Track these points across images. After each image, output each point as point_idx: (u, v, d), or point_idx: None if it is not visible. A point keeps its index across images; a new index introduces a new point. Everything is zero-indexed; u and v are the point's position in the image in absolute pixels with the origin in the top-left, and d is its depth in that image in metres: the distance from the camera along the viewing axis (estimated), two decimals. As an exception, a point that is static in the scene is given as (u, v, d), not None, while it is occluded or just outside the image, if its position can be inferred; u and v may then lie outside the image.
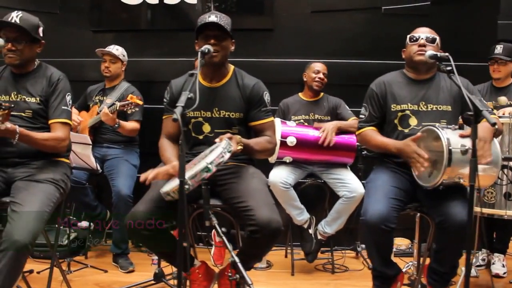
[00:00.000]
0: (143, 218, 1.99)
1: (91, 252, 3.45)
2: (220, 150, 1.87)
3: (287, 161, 3.03)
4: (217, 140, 2.02)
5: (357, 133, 2.46)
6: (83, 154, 2.84)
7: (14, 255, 1.84)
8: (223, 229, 1.97)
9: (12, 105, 1.92)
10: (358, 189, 2.92)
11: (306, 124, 3.17)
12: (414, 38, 2.32)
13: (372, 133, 2.36)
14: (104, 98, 3.34)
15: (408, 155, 2.13)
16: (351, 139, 3.00)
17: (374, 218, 2.05)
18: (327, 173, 3.07)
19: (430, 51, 2.17)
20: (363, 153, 3.18)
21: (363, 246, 3.50)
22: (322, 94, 3.30)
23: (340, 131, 3.02)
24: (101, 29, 3.88)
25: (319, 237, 3.11)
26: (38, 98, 2.19)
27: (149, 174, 1.98)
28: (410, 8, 3.58)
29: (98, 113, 3.24)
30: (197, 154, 2.21)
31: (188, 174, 1.81)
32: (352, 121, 3.09)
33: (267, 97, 2.26)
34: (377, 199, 2.11)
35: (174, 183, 1.86)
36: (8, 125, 1.91)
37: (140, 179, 1.99)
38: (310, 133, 3.00)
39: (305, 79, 3.31)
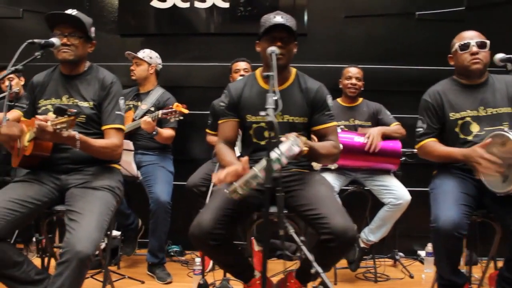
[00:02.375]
0: (210, 227, 1.91)
1: (123, 262, 3.34)
2: (290, 143, 1.81)
3: (332, 167, 2.97)
4: (282, 138, 1.95)
5: (417, 146, 2.40)
6: (125, 160, 2.73)
7: (77, 266, 1.74)
8: (302, 238, 1.89)
9: (79, 112, 1.83)
10: (405, 196, 2.86)
11: (347, 130, 3.12)
12: (465, 46, 2.28)
13: (433, 144, 2.31)
14: (139, 103, 3.25)
15: (475, 160, 2.08)
16: (397, 145, 2.95)
17: (446, 225, 1.99)
18: (371, 179, 3.01)
19: (500, 55, 2.14)
20: (401, 159, 3.12)
21: (401, 254, 3.46)
22: (361, 99, 3.26)
23: (385, 137, 2.97)
24: (130, 33, 3.80)
25: (362, 245, 3.04)
26: (91, 103, 2.11)
27: (221, 176, 1.88)
28: (444, 14, 3.57)
29: (133, 119, 3.15)
30: (258, 161, 2.13)
31: (258, 166, 1.74)
32: (396, 127, 3.05)
33: (330, 100, 2.20)
34: (448, 206, 2.06)
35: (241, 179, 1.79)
36: (71, 132, 1.82)
37: (214, 182, 1.89)
38: (355, 139, 2.94)
39: (340, 86, 3.27)
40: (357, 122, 3.17)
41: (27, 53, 1.95)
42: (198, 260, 2.86)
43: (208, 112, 3.40)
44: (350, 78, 3.16)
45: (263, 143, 2.17)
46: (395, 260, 3.40)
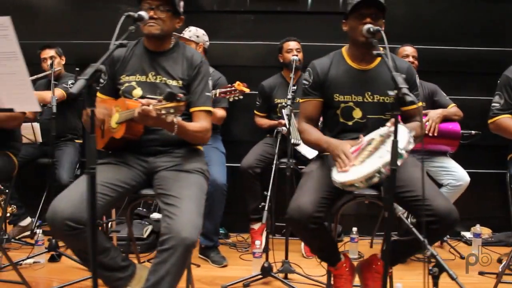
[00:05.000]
0: (311, 210, 1.86)
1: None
2: (408, 135, 1.76)
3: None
4: (388, 124, 1.91)
5: (490, 121, 2.39)
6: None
7: (183, 253, 1.68)
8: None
9: (189, 97, 1.73)
10: (465, 177, 2.87)
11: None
12: None
13: (509, 120, 2.30)
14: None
15: None
16: (456, 127, 2.94)
17: None
18: (429, 161, 3.00)
19: None
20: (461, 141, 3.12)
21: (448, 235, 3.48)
22: (417, 79, 3.22)
23: (444, 119, 2.95)
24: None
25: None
26: (180, 82, 2.01)
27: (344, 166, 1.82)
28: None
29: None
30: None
31: (381, 162, 1.69)
32: (454, 109, 3.03)
33: (418, 80, 2.16)
34: None
35: (357, 172, 1.74)
36: (176, 117, 1.72)
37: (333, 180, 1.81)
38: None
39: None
40: (412, 102, 3.13)
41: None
42: (258, 242, 2.82)
43: (255, 92, 3.32)
44: (407, 56, 3.11)
45: (350, 123, 2.12)
46: (442, 241, 3.42)
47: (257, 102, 3.36)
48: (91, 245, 1.43)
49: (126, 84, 2.01)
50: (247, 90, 2.84)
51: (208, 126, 2.00)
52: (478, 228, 3.23)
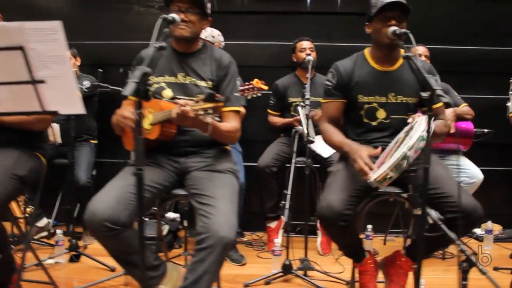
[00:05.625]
0: (341, 208, 1.90)
1: (189, 244, 3.30)
2: (425, 121, 1.80)
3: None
4: (409, 120, 1.96)
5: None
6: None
7: (221, 252, 1.71)
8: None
9: (227, 97, 1.77)
10: (478, 175, 2.93)
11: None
12: None
13: None
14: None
15: None
16: (469, 126, 3.00)
17: None
18: (442, 159, 3.05)
19: None
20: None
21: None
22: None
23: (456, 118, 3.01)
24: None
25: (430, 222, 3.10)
26: (210, 82, 2.04)
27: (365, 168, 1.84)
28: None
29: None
30: (370, 141, 2.14)
31: (406, 146, 1.73)
32: (466, 108, 3.09)
33: (439, 80, 2.21)
34: None
35: (386, 166, 1.78)
36: (215, 117, 1.74)
37: (366, 176, 1.84)
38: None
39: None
40: (424, 102, 3.19)
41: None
42: (277, 241, 2.87)
43: (268, 92, 3.35)
44: (419, 56, 3.16)
45: (374, 123, 2.17)
46: (452, 237, 3.48)
47: (270, 101, 3.40)
48: (139, 243, 1.46)
49: (155, 85, 2.04)
50: (265, 88, 2.86)
51: (239, 126, 2.04)
52: (489, 224, 3.29)
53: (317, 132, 3.17)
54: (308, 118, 2.67)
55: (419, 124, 1.81)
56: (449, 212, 1.90)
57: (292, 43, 3.46)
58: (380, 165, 1.87)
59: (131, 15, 3.70)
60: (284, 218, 3.14)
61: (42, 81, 1.43)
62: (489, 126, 3.08)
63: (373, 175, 1.81)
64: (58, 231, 2.97)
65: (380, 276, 2.25)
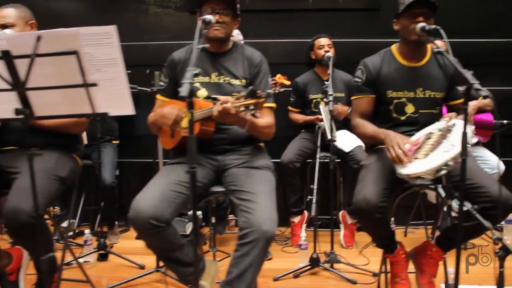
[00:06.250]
0: (377, 200, 1.95)
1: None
2: (470, 130, 1.84)
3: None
4: (445, 118, 2.00)
5: None
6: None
7: (264, 246, 1.77)
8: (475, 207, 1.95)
9: (269, 93, 1.81)
10: (500, 166, 2.97)
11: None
12: None
13: None
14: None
15: None
16: (489, 117, 3.04)
17: None
18: (463, 151, 3.10)
19: None
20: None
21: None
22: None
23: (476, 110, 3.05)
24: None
25: (453, 214, 3.15)
26: (243, 80, 2.08)
27: (400, 157, 1.89)
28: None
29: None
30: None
31: (449, 155, 1.77)
32: (487, 100, 3.13)
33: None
34: None
35: (422, 165, 1.82)
36: (256, 113, 1.78)
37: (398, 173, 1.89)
38: (450, 112, 3.01)
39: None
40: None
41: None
42: (303, 235, 2.91)
43: (287, 89, 3.39)
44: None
45: (403, 118, 2.22)
46: (472, 228, 3.53)
47: (291, 98, 3.44)
48: (193, 238, 1.50)
49: None
50: (288, 83, 2.89)
51: (273, 122, 2.09)
52: (510, 214, 3.34)
53: (338, 127, 3.23)
54: (331, 116, 2.69)
55: (460, 130, 1.84)
56: (481, 202, 1.95)
57: (309, 40, 3.50)
58: (411, 158, 1.91)
59: (148, 16, 3.73)
60: (307, 213, 3.20)
61: (94, 84, 1.47)
62: (509, 117, 3.12)
63: (406, 171, 1.86)
64: (86, 231, 3.02)
65: (410, 266, 2.30)
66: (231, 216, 3.56)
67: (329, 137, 2.67)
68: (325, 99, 2.78)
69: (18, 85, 1.47)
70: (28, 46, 1.41)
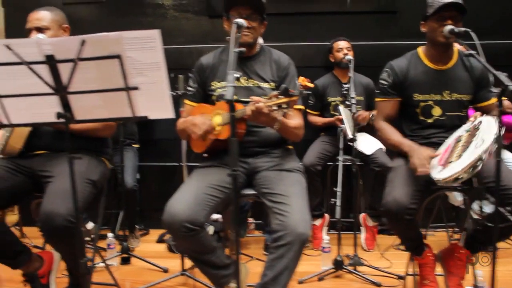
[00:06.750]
0: (407, 202, 1.95)
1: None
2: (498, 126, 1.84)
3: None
4: (471, 119, 2.01)
5: None
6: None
7: (299, 248, 1.79)
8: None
9: (302, 91, 1.82)
10: (522, 168, 2.96)
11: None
12: None
13: None
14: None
15: None
16: (510, 119, 3.04)
17: None
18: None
19: None
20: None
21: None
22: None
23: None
24: (218, 15, 3.72)
25: (475, 216, 3.14)
26: (272, 84, 2.10)
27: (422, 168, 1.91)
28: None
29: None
30: (426, 137, 2.19)
31: (481, 149, 1.77)
32: (506, 102, 3.12)
33: (492, 78, 2.25)
34: None
35: (457, 166, 1.82)
36: (288, 113, 1.80)
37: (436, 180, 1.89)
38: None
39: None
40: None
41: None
42: (326, 238, 2.92)
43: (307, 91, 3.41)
44: None
45: (430, 120, 2.23)
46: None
47: (309, 101, 3.45)
48: (235, 239, 1.51)
49: (218, 90, 2.09)
50: (311, 85, 2.90)
51: (303, 123, 2.10)
52: (528, 216, 3.32)
53: (359, 130, 3.24)
54: (351, 118, 2.71)
55: (488, 125, 1.86)
56: (508, 204, 1.95)
57: (326, 43, 3.51)
58: (445, 163, 1.92)
59: (167, 20, 3.75)
60: (328, 216, 3.20)
61: (136, 88, 1.49)
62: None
63: (442, 175, 1.85)
64: (110, 234, 3.04)
65: (438, 269, 2.30)
66: (251, 220, 3.57)
67: (350, 136, 2.67)
68: (346, 102, 2.78)
69: (61, 89, 1.49)
70: (72, 50, 1.42)
